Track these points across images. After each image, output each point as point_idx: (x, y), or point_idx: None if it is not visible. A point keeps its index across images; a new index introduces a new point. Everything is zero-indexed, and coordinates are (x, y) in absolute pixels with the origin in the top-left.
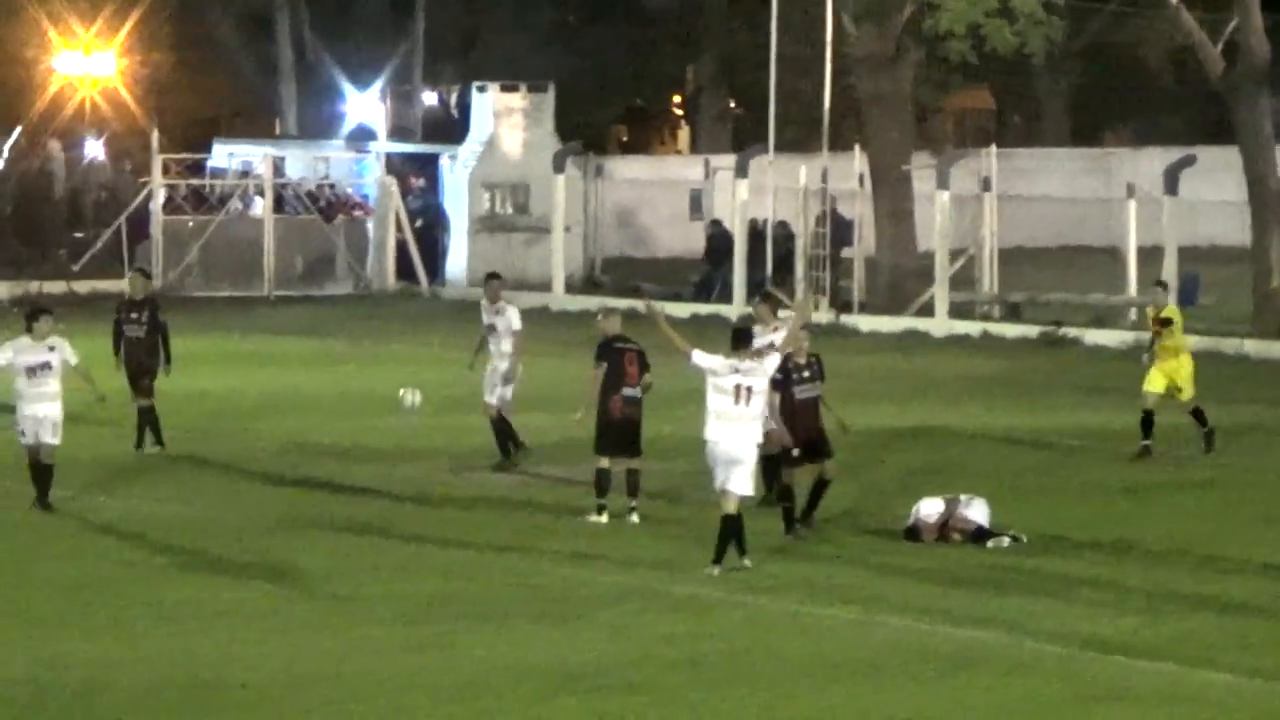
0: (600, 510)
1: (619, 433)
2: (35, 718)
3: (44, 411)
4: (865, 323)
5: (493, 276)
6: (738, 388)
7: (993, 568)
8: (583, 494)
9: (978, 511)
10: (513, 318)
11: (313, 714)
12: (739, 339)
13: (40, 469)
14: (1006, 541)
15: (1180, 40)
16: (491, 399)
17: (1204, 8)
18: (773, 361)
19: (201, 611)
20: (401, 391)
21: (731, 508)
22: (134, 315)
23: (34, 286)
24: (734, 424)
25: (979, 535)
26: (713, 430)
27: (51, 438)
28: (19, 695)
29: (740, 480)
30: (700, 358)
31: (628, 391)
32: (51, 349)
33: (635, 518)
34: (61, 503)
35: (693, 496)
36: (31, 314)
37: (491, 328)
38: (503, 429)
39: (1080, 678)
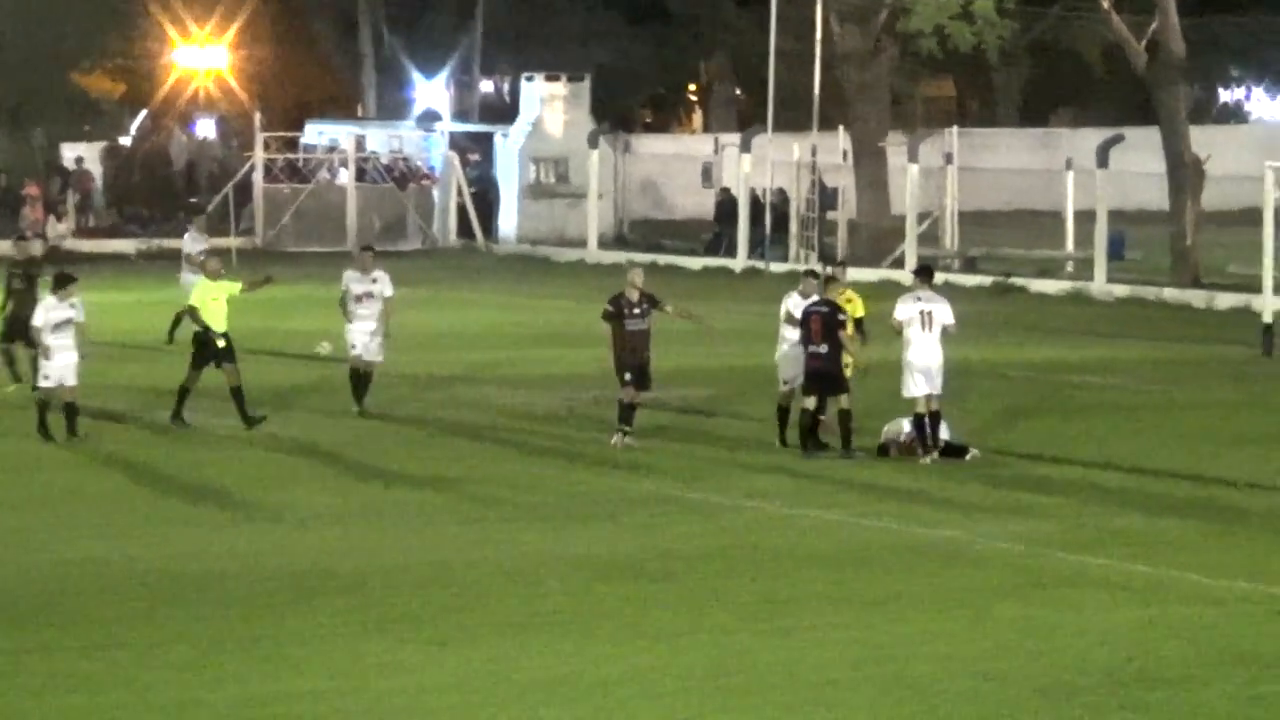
0: (625, 434)
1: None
2: (171, 599)
3: (68, 360)
4: (848, 274)
5: (366, 249)
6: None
7: (952, 479)
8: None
9: (943, 431)
10: (385, 286)
11: (388, 599)
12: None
13: (69, 407)
14: (976, 454)
15: (1111, 38)
16: (366, 355)
17: (1130, 10)
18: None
19: (298, 512)
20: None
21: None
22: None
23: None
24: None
25: (952, 450)
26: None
27: (72, 380)
28: (154, 582)
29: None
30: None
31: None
32: (73, 306)
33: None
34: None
35: (692, 424)
36: (58, 280)
37: (368, 294)
38: (360, 382)
39: (1027, 568)
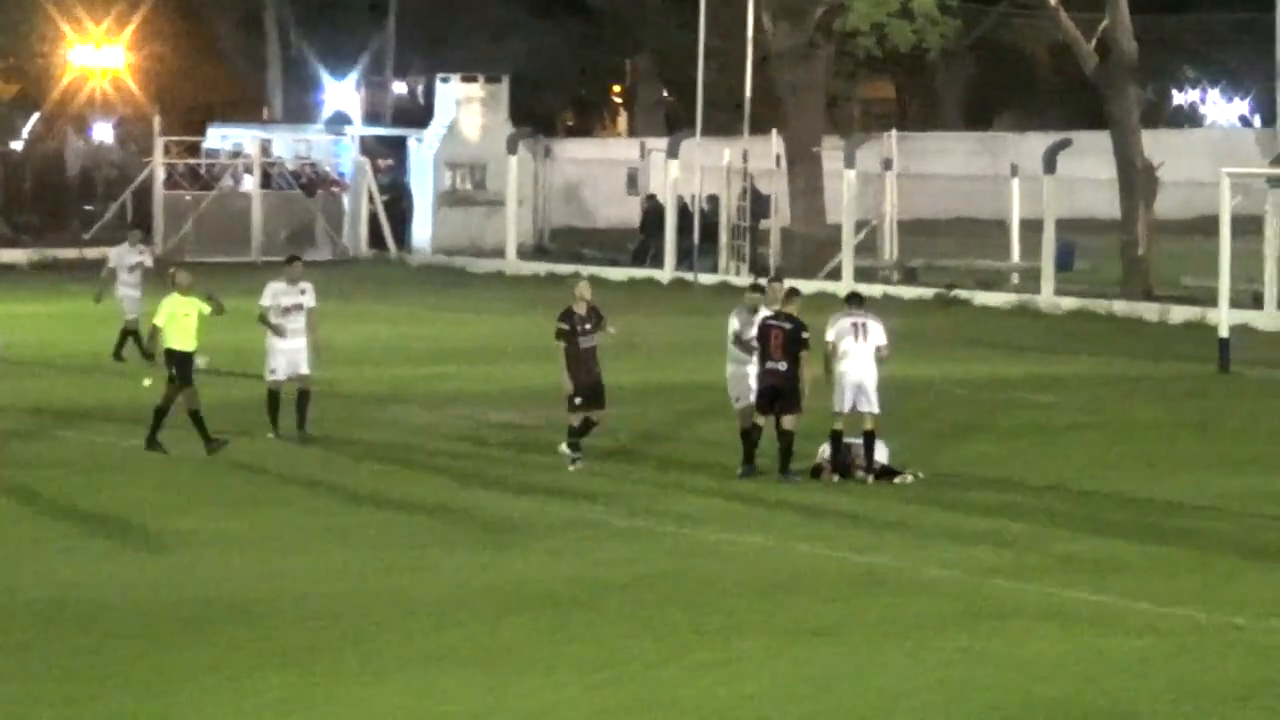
0: (575, 458)
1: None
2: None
3: None
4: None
5: (295, 259)
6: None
7: (890, 501)
8: (527, 433)
9: (879, 452)
10: (311, 298)
11: (290, 630)
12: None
13: None
14: (909, 479)
15: (1059, 37)
16: (297, 371)
17: (1080, 8)
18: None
19: (199, 539)
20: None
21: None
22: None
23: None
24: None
25: (886, 473)
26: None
27: None
28: (40, 612)
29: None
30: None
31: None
32: None
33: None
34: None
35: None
36: None
37: (297, 306)
38: (274, 404)
39: (970, 598)
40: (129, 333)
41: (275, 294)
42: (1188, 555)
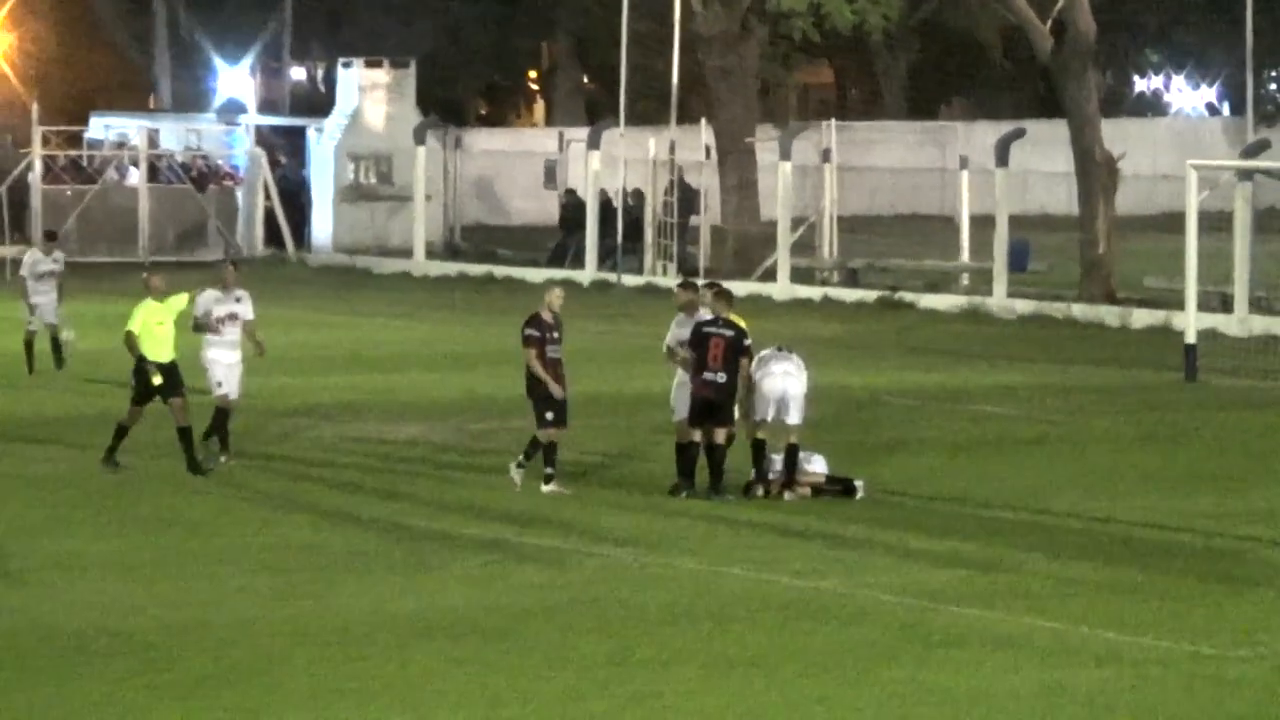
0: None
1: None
2: None
3: None
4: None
5: (231, 262)
6: None
7: (830, 521)
8: (436, 452)
9: (818, 465)
10: (248, 307)
11: (185, 661)
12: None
13: None
14: (860, 492)
15: (1011, 19)
16: (232, 390)
17: None
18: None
19: (80, 562)
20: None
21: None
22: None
23: None
24: None
25: (838, 485)
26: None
27: None
28: None
29: None
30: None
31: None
32: None
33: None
34: None
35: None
36: None
37: (232, 316)
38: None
39: (916, 626)
40: (37, 342)
41: (207, 304)
42: (1151, 579)
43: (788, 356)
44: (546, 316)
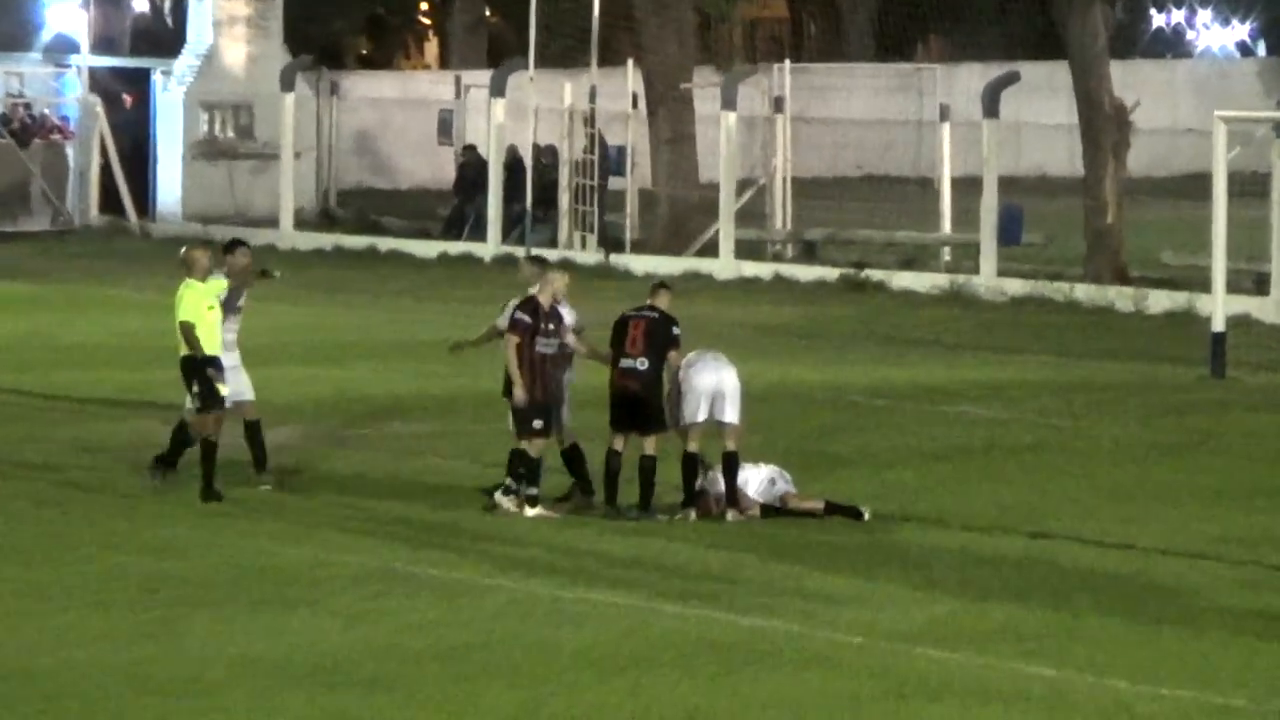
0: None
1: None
2: None
3: None
4: (639, 264)
5: (239, 243)
6: None
7: (782, 547)
8: (311, 460)
9: (779, 483)
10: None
11: (15, 708)
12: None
13: None
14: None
15: None
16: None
17: None
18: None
19: None
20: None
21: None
22: None
23: None
24: None
25: (855, 513)
26: None
27: None
28: None
29: None
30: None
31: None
32: None
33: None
34: None
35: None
36: None
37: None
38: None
39: (887, 673)
40: None
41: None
42: (1171, 616)
43: (717, 355)
44: (544, 300)
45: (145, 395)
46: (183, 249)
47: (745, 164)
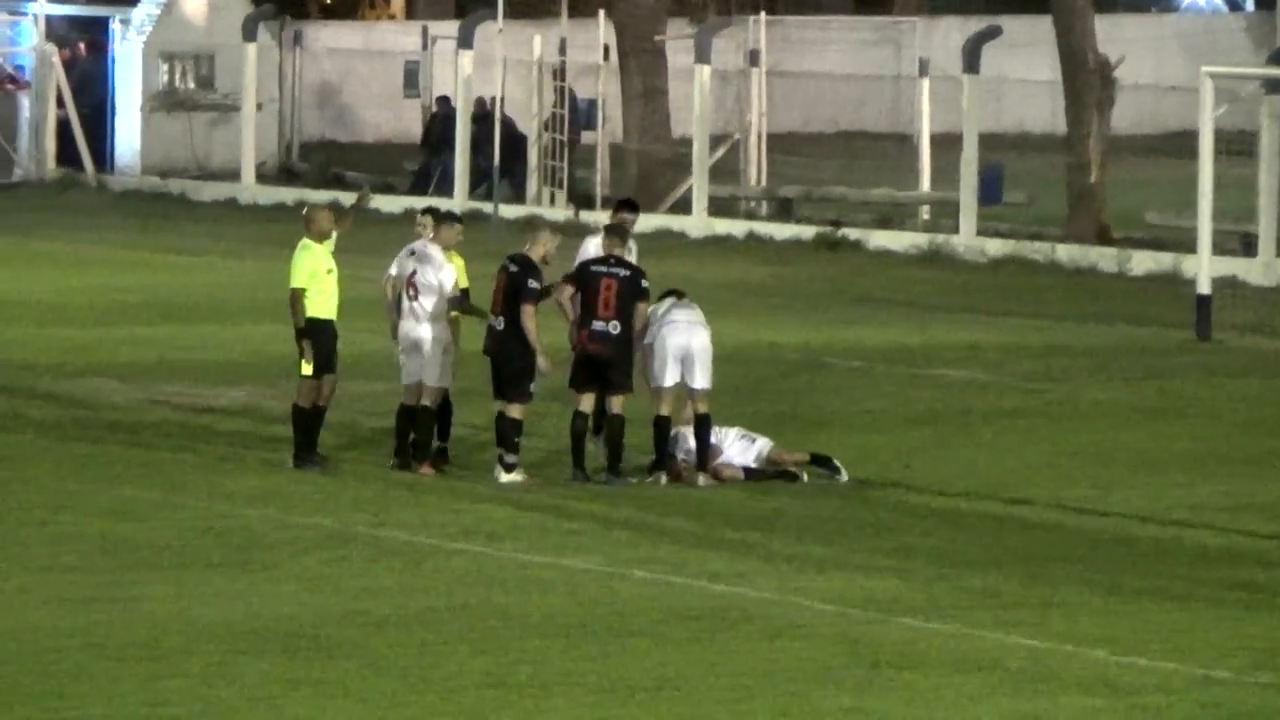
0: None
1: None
2: None
3: None
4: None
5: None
6: None
7: (755, 513)
8: (265, 424)
9: (757, 446)
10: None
11: None
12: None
13: None
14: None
15: None
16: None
17: None
18: None
19: None
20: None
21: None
22: None
23: None
24: None
25: (828, 466)
26: None
27: None
28: None
29: None
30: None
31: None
32: None
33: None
34: None
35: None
36: None
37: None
38: None
39: (861, 642)
40: None
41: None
42: (1152, 586)
43: (689, 305)
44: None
45: (96, 354)
46: (304, 209)
47: (719, 119)
